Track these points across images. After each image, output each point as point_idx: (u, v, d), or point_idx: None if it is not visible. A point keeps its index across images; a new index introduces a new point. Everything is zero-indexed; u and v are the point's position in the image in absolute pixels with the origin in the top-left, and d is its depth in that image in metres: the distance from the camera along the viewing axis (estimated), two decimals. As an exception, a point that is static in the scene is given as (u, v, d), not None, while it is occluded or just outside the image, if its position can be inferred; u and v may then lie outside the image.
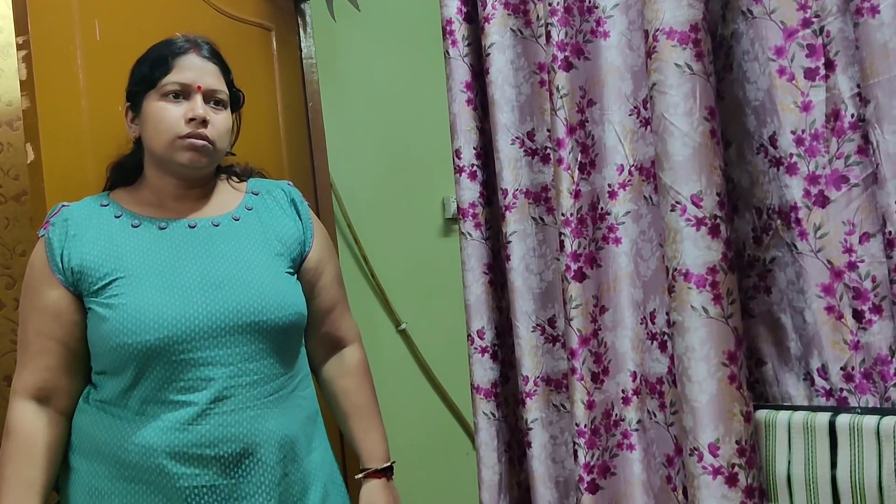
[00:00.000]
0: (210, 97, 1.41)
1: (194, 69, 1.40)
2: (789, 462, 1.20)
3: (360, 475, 1.54)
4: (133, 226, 1.41)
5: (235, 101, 1.50)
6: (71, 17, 1.64)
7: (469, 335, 1.60)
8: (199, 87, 1.39)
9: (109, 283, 1.35)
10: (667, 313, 1.33)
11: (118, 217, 1.42)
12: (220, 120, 1.42)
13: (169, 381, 1.32)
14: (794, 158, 1.23)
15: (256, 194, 1.53)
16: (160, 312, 1.32)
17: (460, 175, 1.60)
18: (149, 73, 1.41)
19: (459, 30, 1.59)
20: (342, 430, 1.59)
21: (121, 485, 1.33)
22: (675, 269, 1.19)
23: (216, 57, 1.45)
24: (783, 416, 1.21)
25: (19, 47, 1.55)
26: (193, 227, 1.43)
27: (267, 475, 1.36)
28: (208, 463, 1.32)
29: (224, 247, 1.42)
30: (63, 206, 1.43)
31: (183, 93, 1.39)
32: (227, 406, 1.33)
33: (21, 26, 1.56)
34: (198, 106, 1.38)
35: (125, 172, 1.50)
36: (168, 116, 1.38)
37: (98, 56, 1.66)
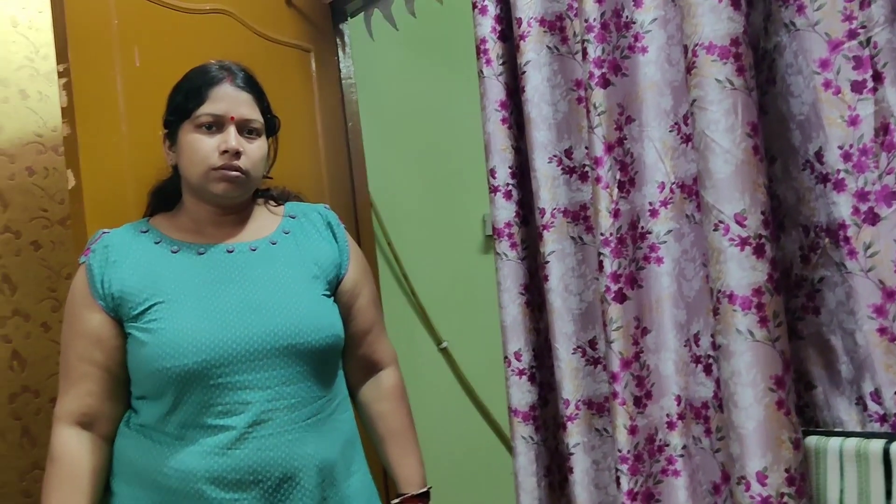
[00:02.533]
0: (244, 127, 1.41)
1: (227, 99, 1.40)
2: (841, 491, 1.15)
3: (396, 500, 1.52)
4: (172, 251, 1.42)
5: (271, 127, 1.49)
6: (110, 45, 1.66)
7: (506, 357, 1.58)
8: (232, 118, 1.39)
9: (148, 308, 1.36)
10: (712, 335, 1.29)
11: (157, 243, 1.43)
12: (254, 149, 1.42)
13: (207, 406, 1.32)
14: (842, 174, 1.19)
15: (293, 218, 1.53)
16: (198, 337, 1.32)
17: (495, 194, 1.58)
18: (183, 104, 1.41)
19: (493, 48, 1.58)
20: (379, 454, 1.58)
21: (160, 510, 1.33)
22: (720, 291, 1.15)
23: (251, 85, 1.45)
24: (834, 442, 1.16)
25: (60, 75, 1.58)
26: (231, 251, 1.43)
27: (306, 499, 1.35)
28: (248, 487, 1.31)
29: (261, 271, 1.42)
30: (103, 232, 1.45)
31: (216, 123, 1.39)
32: (266, 430, 1.33)
33: (62, 54, 1.58)
34: (230, 138, 1.38)
35: (165, 197, 1.52)
36: (201, 148, 1.39)
37: (137, 82, 1.68)
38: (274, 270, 1.43)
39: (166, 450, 1.33)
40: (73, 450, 1.37)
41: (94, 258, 1.40)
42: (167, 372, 1.31)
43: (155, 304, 1.36)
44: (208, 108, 1.39)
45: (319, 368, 1.41)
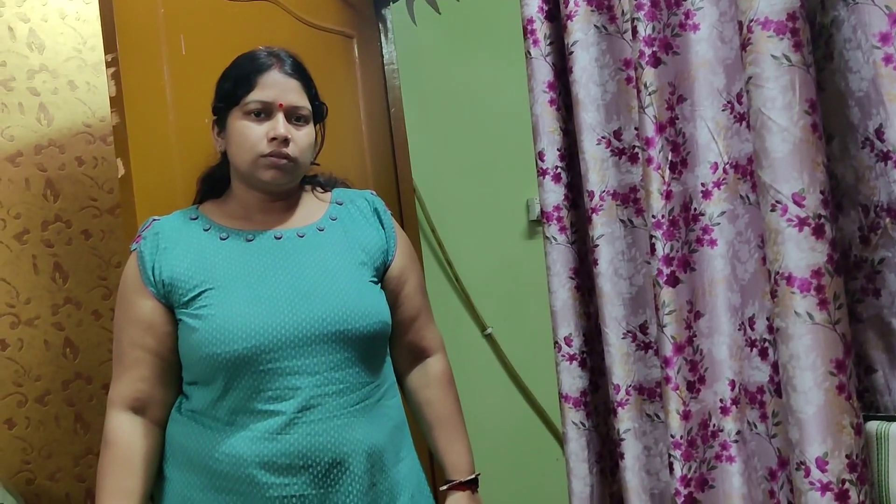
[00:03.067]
0: (292, 114, 1.41)
1: (276, 86, 1.40)
2: (905, 477, 1.12)
3: (444, 487, 1.52)
4: (221, 238, 1.43)
5: (319, 114, 1.49)
6: (157, 34, 1.67)
7: (556, 342, 1.56)
8: (280, 105, 1.39)
9: (199, 294, 1.37)
10: (767, 319, 1.26)
11: (207, 230, 1.44)
12: (303, 136, 1.42)
13: (257, 391, 1.33)
14: (905, 152, 1.15)
15: (340, 204, 1.53)
16: (248, 323, 1.33)
17: (544, 177, 1.56)
18: (232, 91, 1.42)
19: (541, 29, 1.55)
20: (427, 440, 1.58)
21: (212, 495, 1.35)
22: (777, 273, 1.12)
23: (299, 71, 1.44)
24: (896, 427, 1.13)
25: (108, 64, 1.59)
26: (279, 238, 1.44)
27: (355, 485, 1.35)
28: (298, 472, 1.32)
29: (309, 257, 1.42)
30: (154, 219, 1.46)
31: (265, 111, 1.39)
32: (315, 415, 1.33)
33: (109, 44, 1.59)
34: (279, 125, 1.38)
35: (214, 184, 1.52)
36: (251, 135, 1.39)
37: (184, 70, 1.68)
38: (321, 257, 1.43)
39: (217, 435, 1.35)
40: (126, 434, 1.39)
41: (146, 245, 1.42)
42: (217, 357, 1.32)
43: (205, 291, 1.37)
44: (257, 95, 1.39)
45: (367, 354, 1.41)
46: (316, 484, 1.33)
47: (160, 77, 1.65)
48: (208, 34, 1.76)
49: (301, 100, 1.42)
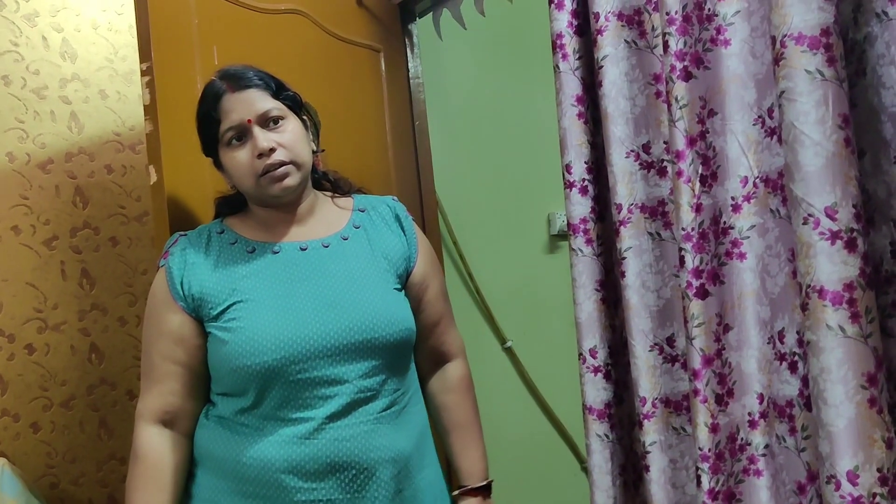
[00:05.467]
0: (265, 121, 1.42)
1: (237, 106, 1.41)
2: (937, 493, 1.11)
3: (457, 492, 1.53)
4: (248, 251, 1.45)
5: (295, 104, 1.48)
6: (191, 44, 1.70)
7: (581, 354, 1.56)
8: (249, 121, 1.40)
9: (228, 307, 1.38)
10: (797, 332, 1.26)
11: (233, 244, 1.46)
12: (287, 134, 1.42)
13: (288, 401, 1.35)
14: (937, 167, 1.15)
15: (363, 211, 1.54)
16: (277, 334, 1.34)
17: (570, 190, 1.57)
18: (206, 132, 1.45)
19: (570, 43, 1.57)
20: (444, 445, 1.58)
21: (239, 500, 1.36)
22: (809, 286, 1.12)
23: (250, 79, 1.44)
24: (929, 443, 1.13)
25: (143, 73, 1.61)
26: (304, 249, 1.45)
27: (381, 491, 1.36)
28: (325, 477, 1.33)
29: (335, 267, 1.44)
30: (181, 235, 1.48)
31: (240, 134, 1.41)
32: (344, 422, 1.35)
33: (145, 53, 1.62)
34: (259, 140, 1.39)
35: (231, 204, 1.55)
36: (240, 163, 1.42)
37: (216, 80, 1.70)
38: (346, 266, 1.44)
39: (245, 440, 1.36)
40: (156, 448, 1.39)
41: (174, 261, 1.43)
42: (248, 369, 1.33)
43: (234, 304, 1.38)
44: (226, 125, 1.41)
45: (394, 362, 1.42)
46: (343, 489, 1.34)
47: (193, 86, 1.67)
48: (240, 44, 1.79)
49: (265, 103, 1.42)
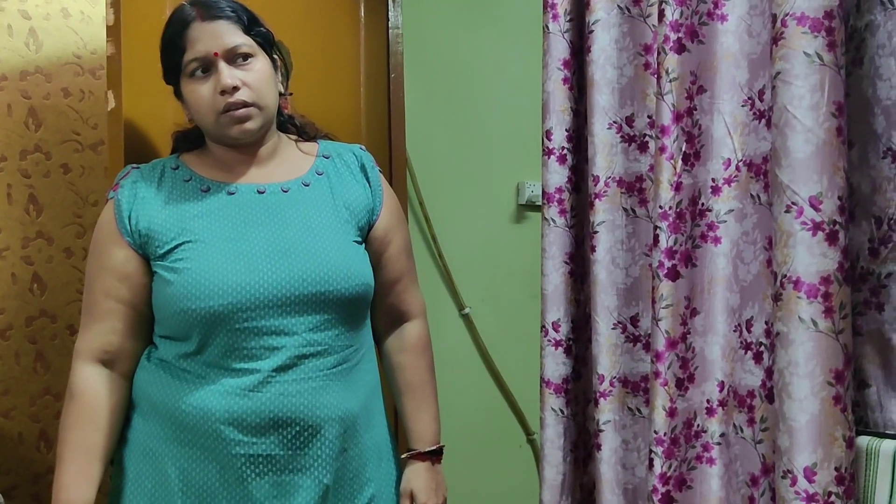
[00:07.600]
0: (233, 57, 1.34)
1: (204, 36, 1.33)
2: (891, 496, 1.10)
3: (405, 455, 1.49)
4: (202, 190, 1.38)
5: (267, 42, 1.41)
6: (160, -36, 1.61)
7: (543, 326, 1.53)
8: (216, 54, 1.33)
9: (176, 247, 1.33)
10: (766, 323, 1.23)
11: (188, 181, 1.39)
12: (254, 73, 1.35)
13: (232, 349, 1.29)
14: (926, 166, 1.12)
15: (327, 157, 1.47)
16: (225, 279, 1.29)
17: (549, 157, 1.52)
18: (169, 60, 1.37)
19: (562, 3, 1.51)
20: (396, 406, 1.54)
21: (175, 448, 1.31)
22: (785, 276, 1.09)
23: (223, 9, 1.36)
24: (888, 445, 1.11)
25: (108, -9, 1.53)
26: (262, 192, 1.39)
27: (325, 449, 1.32)
28: (267, 432, 1.29)
29: (292, 214, 1.38)
30: (133, 167, 1.42)
31: (205, 66, 1.34)
32: (291, 376, 1.30)
33: (111, -31, 1.53)
34: (223, 76, 1.32)
35: (189, 139, 1.47)
36: (201, 97, 1.34)
37: (186, 4, 1.62)
38: (305, 214, 1.38)
39: (186, 386, 1.31)
40: (93, 387, 1.34)
41: (123, 193, 1.37)
42: (192, 313, 1.28)
43: (183, 244, 1.32)
44: (190, 55, 1.34)
45: (348, 317, 1.37)
46: (285, 446, 1.30)
47: (162, 10, 1.59)
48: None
49: (235, 37, 1.35)
